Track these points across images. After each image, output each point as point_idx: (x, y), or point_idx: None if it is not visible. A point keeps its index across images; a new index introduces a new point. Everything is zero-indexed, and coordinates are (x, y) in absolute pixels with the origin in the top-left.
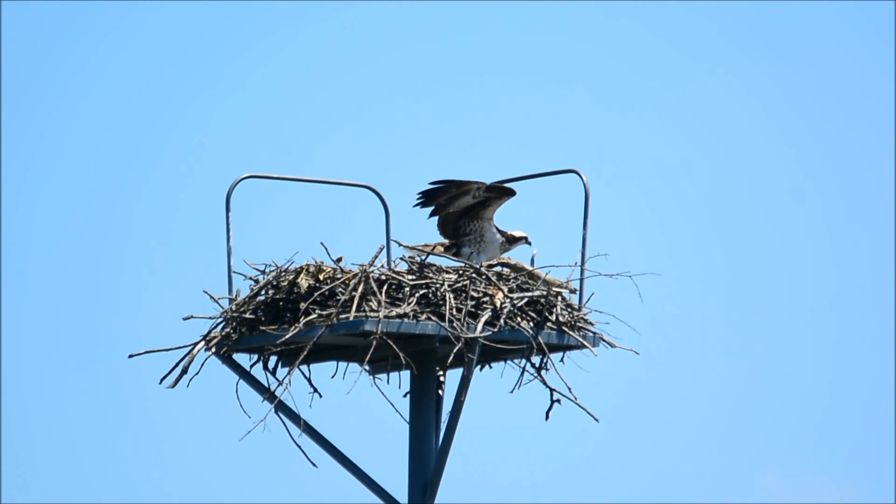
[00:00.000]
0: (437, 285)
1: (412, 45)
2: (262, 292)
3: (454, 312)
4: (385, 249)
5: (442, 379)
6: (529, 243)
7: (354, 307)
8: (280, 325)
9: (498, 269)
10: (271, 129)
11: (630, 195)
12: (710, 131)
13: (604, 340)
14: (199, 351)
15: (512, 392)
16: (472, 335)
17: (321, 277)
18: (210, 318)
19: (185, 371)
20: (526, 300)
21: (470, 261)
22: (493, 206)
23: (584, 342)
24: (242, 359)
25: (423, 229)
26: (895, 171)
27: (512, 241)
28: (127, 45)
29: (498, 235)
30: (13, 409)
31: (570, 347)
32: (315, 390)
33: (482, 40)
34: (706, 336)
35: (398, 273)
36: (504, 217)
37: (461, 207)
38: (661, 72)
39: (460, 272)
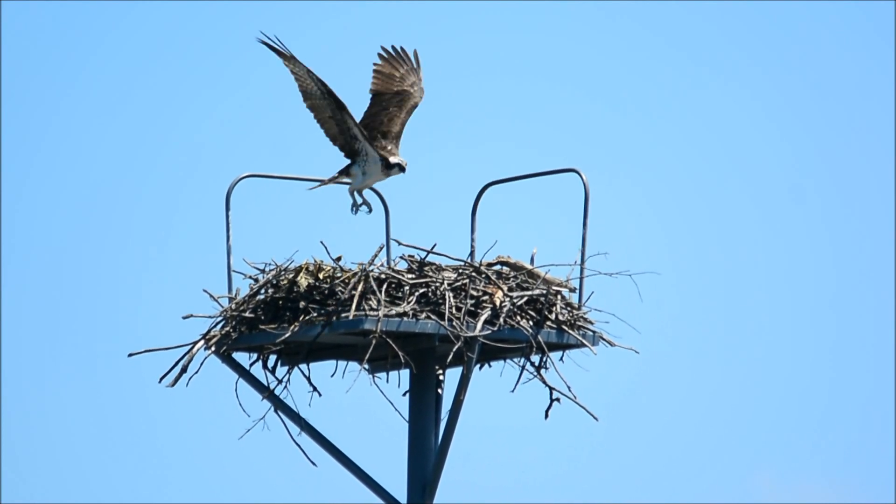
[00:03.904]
0: (437, 284)
1: (412, 45)
2: (262, 291)
3: (454, 311)
4: (385, 248)
5: (441, 378)
6: (403, 170)
7: (354, 306)
8: (279, 323)
9: (497, 267)
10: (271, 129)
11: (630, 194)
12: (709, 131)
13: (603, 339)
14: (198, 350)
15: (512, 391)
16: (471, 334)
17: (321, 276)
18: (210, 316)
19: (184, 370)
20: (525, 299)
21: (356, 178)
22: (396, 121)
23: (584, 341)
24: (242, 358)
25: (422, 227)
26: (895, 171)
27: (389, 166)
28: (127, 45)
29: (379, 159)
30: (13, 409)
31: (569, 346)
32: (314, 389)
33: (483, 40)
34: (705, 335)
35: (398, 272)
36: (504, 213)
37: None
38: (661, 72)
39: (460, 271)
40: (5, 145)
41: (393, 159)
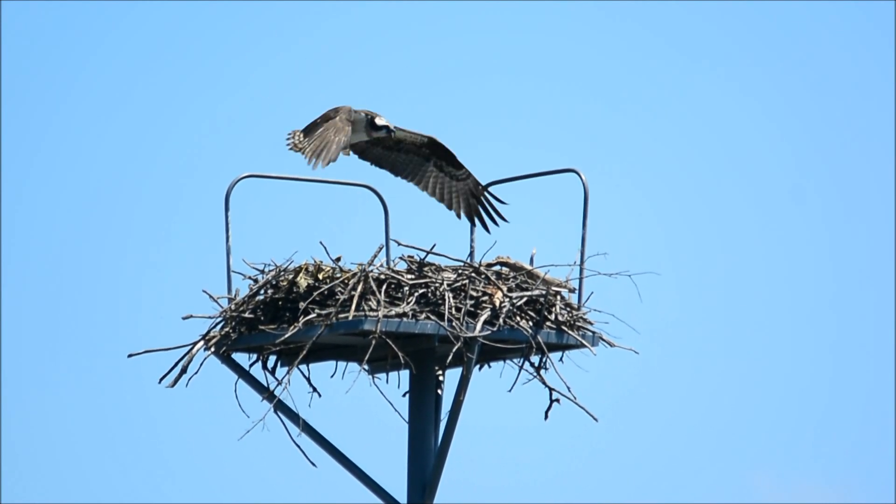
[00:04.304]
0: (437, 285)
1: (412, 45)
2: (262, 292)
3: (453, 312)
4: (384, 249)
5: (441, 378)
6: (391, 133)
7: (353, 307)
8: (279, 324)
9: (497, 268)
10: (271, 129)
11: (630, 194)
12: (709, 131)
13: (603, 340)
14: (198, 350)
15: (510, 391)
16: (471, 334)
17: (320, 277)
18: (209, 317)
19: (184, 370)
20: (525, 299)
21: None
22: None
23: (584, 341)
24: (242, 358)
25: (422, 228)
26: (895, 171)
27: (374, 127)
28: (127, 45)
29: (364, 117)
30: (13, 409)
31: (569, 347)
32: (314, 390)
33: (482, 40)
34: (705, 335)
35: (397, 272)
36: (503, 212)
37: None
38: (661, 71)
39: (459, 271)
40: (5, 145)
41: (380, 121)
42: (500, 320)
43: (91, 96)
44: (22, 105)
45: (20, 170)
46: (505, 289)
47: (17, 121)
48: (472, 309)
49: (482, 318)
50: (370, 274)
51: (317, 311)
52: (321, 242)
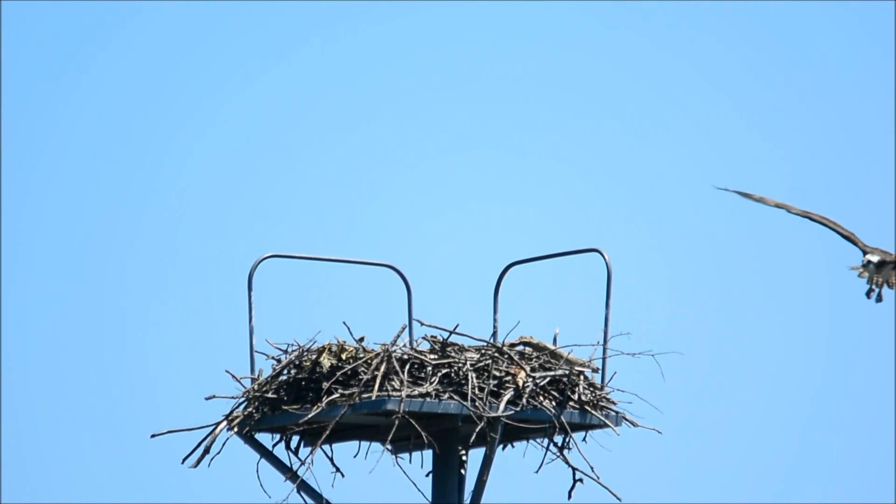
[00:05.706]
0: (460, 365)
1: (429, 114)
2: (285, 372)
3: (476, 392)
4: (407, 328)
5: (464, 458)
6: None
7: (377, 386)
8: (302, 404)
9: (520, 348)
10: (294, 209)
11: (653, 274)
12: (727, 208)
13: (626, 419)
14: (221, 430)
15: (537, 472)
16: (494, 414)
17: (343, 357)
18: (232, 397)
19: (207, 451)
20: (548, 379)
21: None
22: None
23: (607, 421)
24: (265, 438)
25: (445, 308)
26: (895, 171)
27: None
28: (148, 114)
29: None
30: (29, 491)
31: (592, 426)
32: (337, 469)
33: (505, 120)
34: (728, 415)
35: (420, 352)
36: (527, 293)
37: None
38: (677, 146)
39: (482, 351)
40: (7, 153)
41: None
42: (524, 400)
43: (110, 165)
44: (23, 107)
45: (22, 234)
46: (528, 368)
47: (19, 123)
48: (495, 389)
49: (505, 398)
50: (393, 354)
51: (340, 390)
52: (344, 322)
